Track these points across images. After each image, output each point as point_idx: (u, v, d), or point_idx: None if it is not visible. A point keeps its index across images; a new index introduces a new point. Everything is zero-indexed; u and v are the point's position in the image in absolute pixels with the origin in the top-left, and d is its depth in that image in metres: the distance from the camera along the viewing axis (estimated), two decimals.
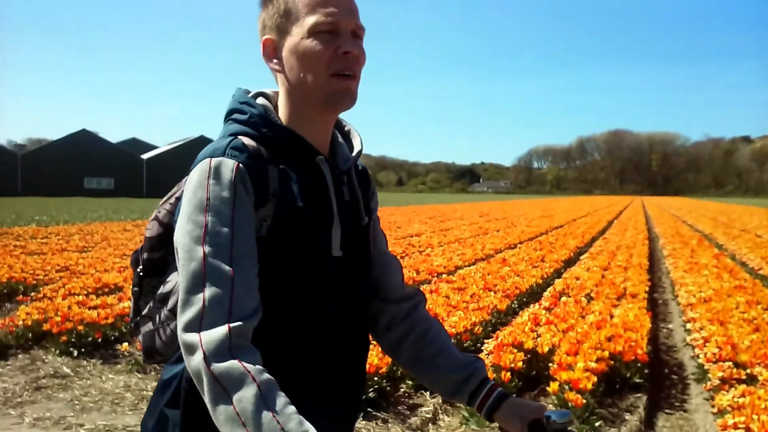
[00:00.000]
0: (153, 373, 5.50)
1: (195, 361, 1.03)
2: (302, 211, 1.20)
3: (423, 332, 1.42)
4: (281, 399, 1.01)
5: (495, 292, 7.94)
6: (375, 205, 1.46)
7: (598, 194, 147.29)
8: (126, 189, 69.27)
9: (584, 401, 4.28)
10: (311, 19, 1.18)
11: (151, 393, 5.00)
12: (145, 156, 76.90)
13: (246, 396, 0.99)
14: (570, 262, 12.24)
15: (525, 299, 8.31)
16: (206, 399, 1.02)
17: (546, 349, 5.22)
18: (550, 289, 8.56)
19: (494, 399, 1.31)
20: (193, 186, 1.14)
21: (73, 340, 5.91)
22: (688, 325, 6.75)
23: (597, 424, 4.26)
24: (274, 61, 1.25)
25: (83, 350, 5.91)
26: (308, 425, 0.99)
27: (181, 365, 1.18)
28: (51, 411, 4.66)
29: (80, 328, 6.01)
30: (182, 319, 1.06)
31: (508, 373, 4.72)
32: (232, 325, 1.04)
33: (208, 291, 1.06)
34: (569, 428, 1.24)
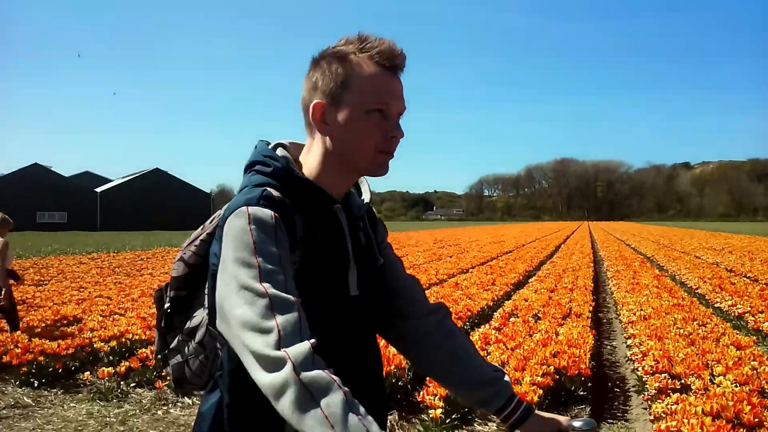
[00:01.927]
0: (115, 401, 5.59)
1: (283, 374, 1.09)
2: (323, 255, 1.31)
3: (451, 348, 1.51)
4: (362, 406, 1.10)
5: None
6: (383, 238, 1.56)
7: (547, 220, 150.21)
8: (79, 223, 68.13)
9: None
10: (369, 100, 1.29)
11: (113, 420, 5.13)
12: (98, 189, 75.84)
13: (334, 401, 1.06)
14: (519, 285, 12.66)
15: (476, 321, 8.63)
16: (291, 407, 1.07)
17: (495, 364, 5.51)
18: (500, 310, 8.90)
19: (520, 414, 1.45)
20: (236, 232, 1.21)
21: (33, 371, 5.94)
22: (629, 341, 7.15)
23: None
24: (322, 123, 1.33)
25: (44, 381, 5.95)
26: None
27: (218, 394, 1.32)
28: None
29: (41, 359, 6.04)
30: (261, 342, 1.12)
31: None
32: (311, 341, 1.13)
33: (280, 318, 1.13)
34: None
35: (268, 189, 1.28)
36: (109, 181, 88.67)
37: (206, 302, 1.35)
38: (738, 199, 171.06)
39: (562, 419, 1.45)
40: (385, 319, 1.53)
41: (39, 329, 7.22)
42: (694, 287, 12.37)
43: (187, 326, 1.42)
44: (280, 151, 1.38)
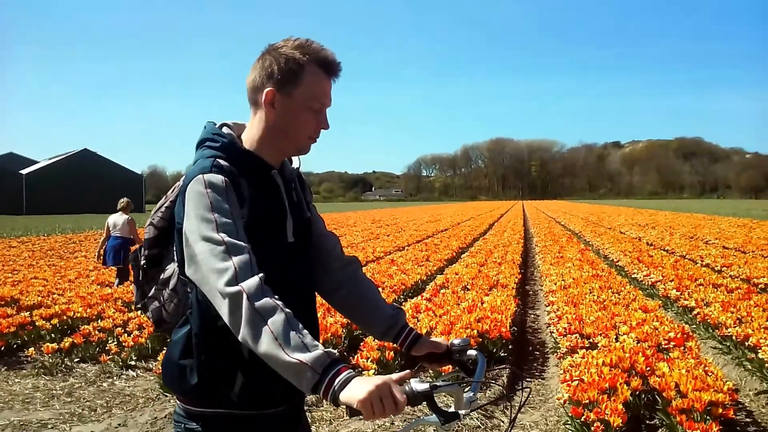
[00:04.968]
0: (60, 375, 5.78)
1: (240, 303, 1.38)
2: (265, 210, 1.62)
3: (361, 293, 1.88)
4: (299, 324, 1.40)
5: (383, 289, 8.62)
6: (311, 199, 1.90)
7: (483, 200, 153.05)
8: (4, 206, 65.46)
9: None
10: (311, 100, 1.63)
11: (60, 393, 5.35)
12: (24, 171, 73.21)
13: (278, 320, 1.36)
14: (452, 261, 13.19)
15: (410, 293, 9.08)
16: (246, 328, 1.37)
17: (423, 330, 5.93)
18: (432, 283, 9.36)
19: (411, 339, 1.84)
20: (195, 195, 1.52)
21: None
22: (548, 308, 7.71)
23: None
24: (270, 107, 1.64)
25: None
26: (318, 343, 1.38)
27: (187, 327, 1.64)
28: None
29: None
30: (221, 280, 1.41)
31: (391, 353, 5.40)
32: (259, 275, 1.43)
33: (236, 259, 1.43)
34: (468, 349, 1.81)
35: (218, 159, 1.59)
36: (35, 162, 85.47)
37: (176, 256, 1.68)
38: (666, 178, 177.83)
39: (444, 340, 1.84)
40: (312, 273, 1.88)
41: None
42: (615, 260, 13.11)
43: (162, 277, 1.75)
44: (225, 130, 1.69)
